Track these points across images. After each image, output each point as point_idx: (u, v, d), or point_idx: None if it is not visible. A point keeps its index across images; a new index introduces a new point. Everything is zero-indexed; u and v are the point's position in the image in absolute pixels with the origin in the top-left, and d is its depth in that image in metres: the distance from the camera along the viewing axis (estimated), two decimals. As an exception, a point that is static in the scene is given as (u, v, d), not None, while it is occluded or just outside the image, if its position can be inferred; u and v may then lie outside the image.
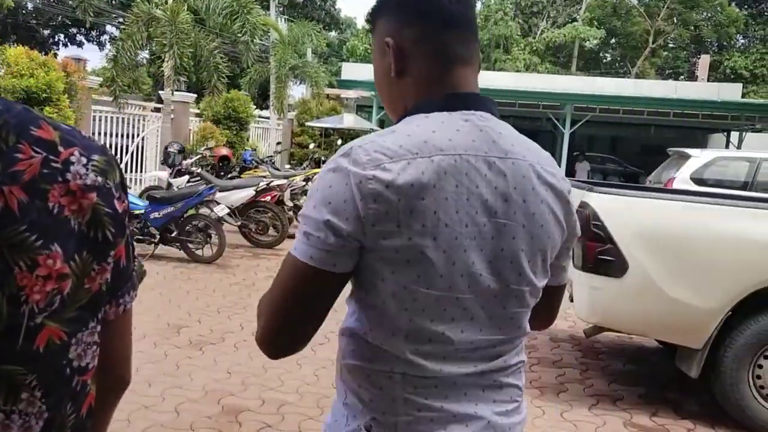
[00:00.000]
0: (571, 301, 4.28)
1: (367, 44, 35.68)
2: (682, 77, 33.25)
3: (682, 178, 8.79)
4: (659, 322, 3.97)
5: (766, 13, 35.66)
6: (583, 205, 4.04)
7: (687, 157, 9.30)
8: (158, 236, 7.39)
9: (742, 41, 34.99)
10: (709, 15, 32.09)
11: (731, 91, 21.35)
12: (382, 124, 18.71)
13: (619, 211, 3.99)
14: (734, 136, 20.44)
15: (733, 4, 33.67)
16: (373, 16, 1.17)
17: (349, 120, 16.37)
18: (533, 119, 21.08)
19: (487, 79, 21.80)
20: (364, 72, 21.28)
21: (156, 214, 7.30)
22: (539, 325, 1.28)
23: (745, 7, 35.23)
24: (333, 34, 45.12)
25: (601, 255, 3.93)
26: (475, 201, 1.01)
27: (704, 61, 26.83)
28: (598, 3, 33.29)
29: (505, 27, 30.97)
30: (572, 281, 4.23)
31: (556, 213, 1.09)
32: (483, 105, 1.09)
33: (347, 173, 0.98)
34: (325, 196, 0.99)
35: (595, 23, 32.39)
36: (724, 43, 33.59)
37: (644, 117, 19.22)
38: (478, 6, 35.91)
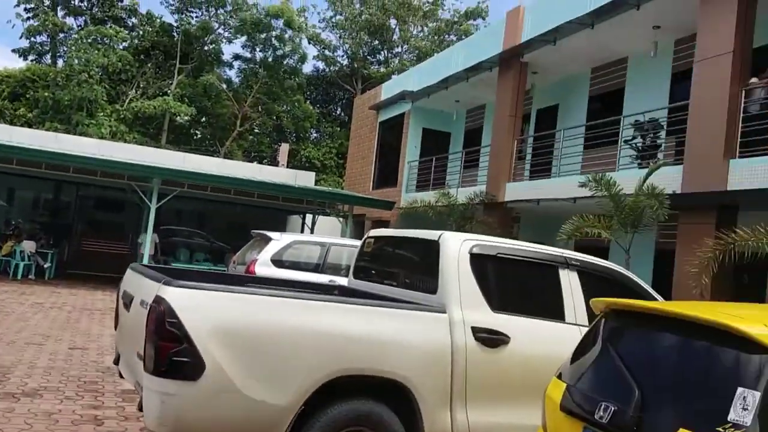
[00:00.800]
0: (140, 410, 3.72)
1: None
2: (265, 161, 36.01)
3: (263, 260, 9.10)
4: (235, 425, 3.70)
5: (333, 114, 41.62)
6: (158, 301, 3.60)
7: (268, 240, 9.71)
8: None
9: (315, 135, 39.99)
10: (289, 108, 35.86)
11: (306, 178, 23.89)
12: None
13: (197, 306, 3.64)
14: (309, 218, 22.69)
15: (308, 101, 38.34)
16: None
17: None
18: (118, 190, 19.90)
19: (69, 144, 19.88)
20: None
21: None
22: None
23: (318, 106, 40.49)
24: None
25: (176, 356, 3.51)
26: None
27: (284, 148, 29.61)
28: (189, 81, 34.08)
29: (89, 90, 29.02)
30: (142, 387, 3.69)
31: None
32: None
33: None
34: None
35: (186, 100, 32.96)
36: (301, 135, 37.84)
37: (231, 196, 19.85)
38: (60, 63, 33.16)
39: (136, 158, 18.60)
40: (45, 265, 16.67)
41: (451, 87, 18.06)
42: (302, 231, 23.26)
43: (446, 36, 37.62)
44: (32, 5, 31.96)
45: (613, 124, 12.81)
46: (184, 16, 34.02)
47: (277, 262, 9.13)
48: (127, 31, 32.38)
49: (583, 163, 13.92)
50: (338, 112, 41.48)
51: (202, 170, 18.20)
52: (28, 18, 32.08)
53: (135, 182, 16.28)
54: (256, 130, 38.28)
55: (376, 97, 23.68)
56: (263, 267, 8.79)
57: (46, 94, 29.76)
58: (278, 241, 9.42)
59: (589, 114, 14.86)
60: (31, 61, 33.40)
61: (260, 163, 34.03)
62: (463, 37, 36.03)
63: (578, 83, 15.24)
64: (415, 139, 20.89)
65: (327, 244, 9.86)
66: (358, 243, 5.90)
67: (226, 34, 35.16)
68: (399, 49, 39.41)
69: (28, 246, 16.35)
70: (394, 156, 21.83)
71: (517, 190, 14.36)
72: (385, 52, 39.42)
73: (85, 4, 33.05)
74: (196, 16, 34.35)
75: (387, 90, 22.85)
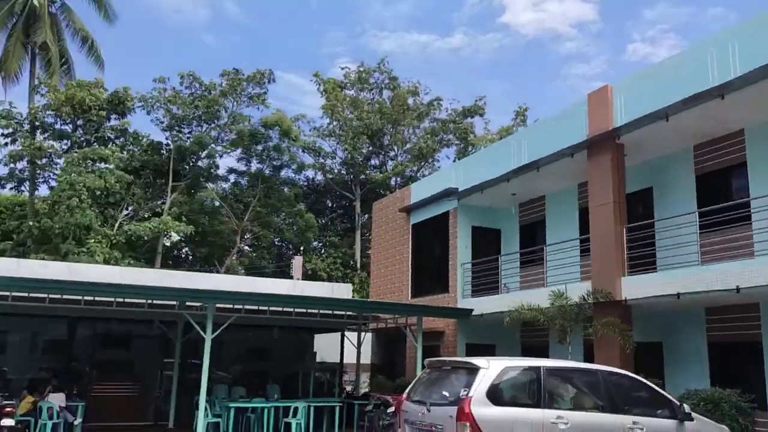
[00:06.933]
0: None
1: None
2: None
3: (479, 398, 6.83)
4: None
5: (334, 223, 39.74)
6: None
7: (473, 369, 7.46)
8: None
9: (315, 245, 37.65)
10: (291, 220, 33.83)
11: (342, 291, 21.34)
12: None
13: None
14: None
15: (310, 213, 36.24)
16: None
17: None
18: (140, 323, 17.40)
19: (85, 273, 16.78)
20: None
21: None
22: None
23: (320, 216, 38.49)
24: None
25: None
26: None
27: (298, 262, 27.48)
28: (185, 199, 31.90)
29: (83, 216, 26.33)
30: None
31: None
32: None
33: None
34: None
35: (184, 219, 30.50)
36: (303, 246, 35.59)
37: (264, 317, 17.01)
38: (42, 189, 30.68)
39: (162, 283, 16.05)
40: (75, 422, 13.70)
41: (513, 180, 16.69)
42: (342, 349, 20.83)
43: (444, 135, 37.02)
44: (10, 130, 29.80)
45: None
46: (174, 133, 32.30)
47: (496, 398, 6.94)
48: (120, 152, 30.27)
49: (702, 250, 12.45)
50: (337, 221, 39.64)
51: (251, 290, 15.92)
52: (6, 144, 29.84)
53: (187, 311, 13.75)
54: (256, 245, 35.93)
55: (404, 199, 22.16)
56: (480, 407, 6.62)
57: (31, 223, 26.87)
58: (487, 369, 7.19)
59: (700, 196, 13.55)
60: (11, 189, 30.79)
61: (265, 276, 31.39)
62: (461, 135, 35.65)
63: (678, 163, 14.05)
64: (465, 239, 19.21)
65: (562, 370, 7.62)
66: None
67: (218, 148, 33.37)
68: (393, 152, 38.46)
69: (57, 399, 13.41)
70: (435, 259, 20.07)
71: (642, 285, 12.59)
72: (382, 155, 38.35)
73: (70, 126, 31.05)
74: (188, 132, 32.69)
75: (418, 190, 21.40)
